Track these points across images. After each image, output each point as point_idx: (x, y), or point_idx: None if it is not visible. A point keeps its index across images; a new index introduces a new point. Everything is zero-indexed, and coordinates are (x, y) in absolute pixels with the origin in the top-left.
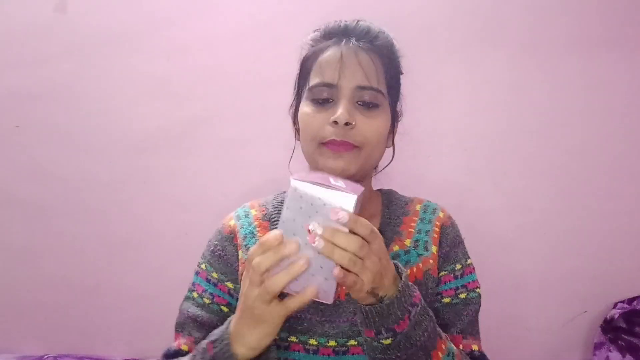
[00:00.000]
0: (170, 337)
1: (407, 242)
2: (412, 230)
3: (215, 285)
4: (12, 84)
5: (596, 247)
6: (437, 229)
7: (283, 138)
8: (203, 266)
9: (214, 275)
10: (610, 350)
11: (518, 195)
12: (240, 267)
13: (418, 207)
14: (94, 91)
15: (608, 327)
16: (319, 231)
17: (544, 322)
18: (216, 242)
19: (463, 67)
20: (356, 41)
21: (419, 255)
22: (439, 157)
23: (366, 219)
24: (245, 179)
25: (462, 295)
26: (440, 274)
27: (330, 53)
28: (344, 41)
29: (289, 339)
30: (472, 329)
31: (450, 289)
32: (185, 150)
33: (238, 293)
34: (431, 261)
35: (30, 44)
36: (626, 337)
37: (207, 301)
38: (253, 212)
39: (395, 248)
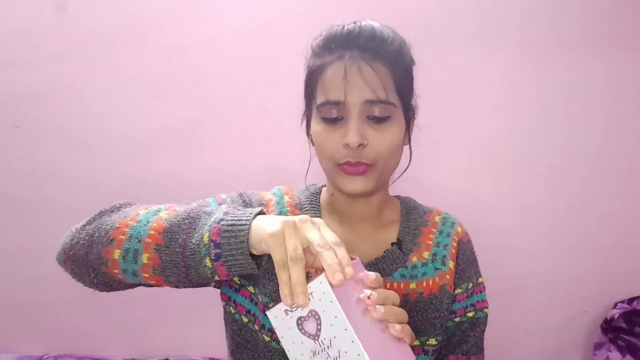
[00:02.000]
0: (170, 337)
1: (426, 254)
2: (431, 242)
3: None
4: (12, 84)
5: (596, 247)
6: (455, 244)
7: (283, 138)
8: (224, 196)
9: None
10: (610, 350)
11: (518, 196)
12: None
13: (437, 218)
14: (94, 91)
15: (608, 327)
16: (375, 296)
17: (544, 322)
18: (249, 193)
19: (463, 67)
20: (360, 52)
21: (437, 269)
22: (439, 157)
23: (385, 226)
24: (245, 179)
25: (470, 314)
26: (456, 292)
27: (334, 70)
28: (347, 55)
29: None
30: (476, 349)
31: (462, 308)
32: (185, 150)
33: None
34: (448, 276)
35: (30, 44)
36: (626, 337)
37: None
38: (287, 198)
39: (414, 259)
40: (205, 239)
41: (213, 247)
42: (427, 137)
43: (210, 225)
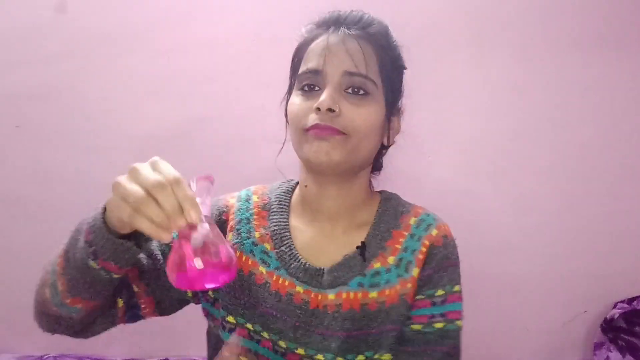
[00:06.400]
0: (170, 337)
1: (391, 259)
2: (399, 246)
3: None
4: (12, 84)
5: (596, 247)
6: (424, 249)
7: (283, 138)
8: None
9: None
10: (610, 350)
11: (518, 196)
12: None
13: (412, 220)
14: (94, 91)
15: (608, 327)
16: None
17: (544, 322)
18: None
19: (464, 67)
20: (347, 29)
21: (399, 276)
22: (439, 157)
23: (356, 228)
24: (245, 179)
25: (438, 325)
26: (416, 298)
27: (318, 41)
28: (332, 28)
29: (261, 333)
30: None
31: (424, 315)
32: (185, 150)
33: None
34: (409, 285)
35: (30, 44)
36: (626, 337)
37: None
38: (255, 198)
39: (377, 265)
40: (82, 244)
41: (88, 247)
42: (426, 137)
43: (85, 230)
